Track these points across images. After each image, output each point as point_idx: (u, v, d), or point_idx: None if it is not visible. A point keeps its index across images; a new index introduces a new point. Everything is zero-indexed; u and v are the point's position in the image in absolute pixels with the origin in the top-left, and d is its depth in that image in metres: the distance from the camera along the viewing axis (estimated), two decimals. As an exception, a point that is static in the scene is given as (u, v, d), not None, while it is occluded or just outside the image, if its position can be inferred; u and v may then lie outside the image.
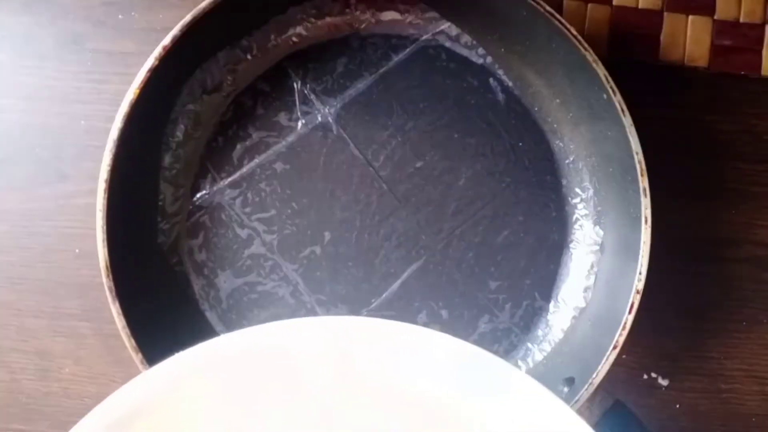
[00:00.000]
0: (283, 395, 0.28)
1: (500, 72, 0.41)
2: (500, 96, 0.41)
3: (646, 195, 0.36)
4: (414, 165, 0.41)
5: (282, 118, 0.40)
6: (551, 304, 0.41)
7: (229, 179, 0.40)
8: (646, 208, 0.36)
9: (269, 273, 0.40)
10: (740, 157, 0.43)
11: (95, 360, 0.42)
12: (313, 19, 0.40)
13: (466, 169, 0.41)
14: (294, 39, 0.40)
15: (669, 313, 0.42)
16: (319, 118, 0.40)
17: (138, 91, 0.35)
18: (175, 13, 0.42)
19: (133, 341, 0.35)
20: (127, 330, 0.35)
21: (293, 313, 0.40)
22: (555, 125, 0.41)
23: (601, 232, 0.40)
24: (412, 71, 0.40)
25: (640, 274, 0.35)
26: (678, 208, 0.42)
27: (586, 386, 0.35)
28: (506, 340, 0.41)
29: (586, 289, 0.40)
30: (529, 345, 0.41)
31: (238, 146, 0.40)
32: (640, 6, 0.42)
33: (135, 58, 0.41)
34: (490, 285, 0.41)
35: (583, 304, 0.40)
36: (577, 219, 0.41)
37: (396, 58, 0.40)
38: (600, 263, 0.40)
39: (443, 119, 0.41)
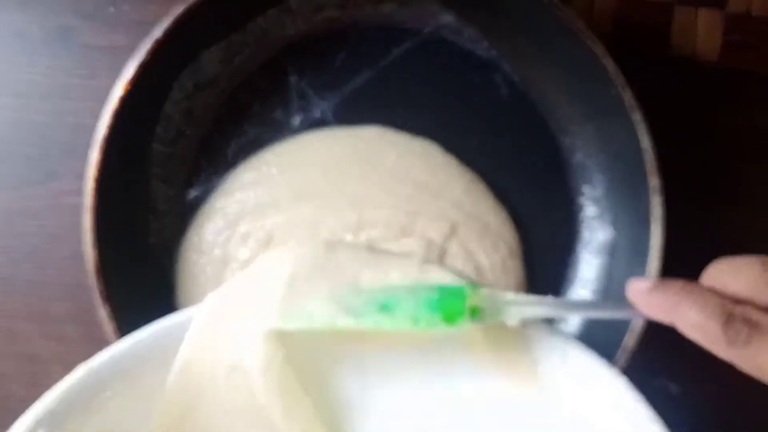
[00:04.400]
0: None
1: (505, 67, 0.40)
2: (505, 91, 0.40)
3: (656, 194, 0.35)
4: (415, 163, 0.40)
5: (278, 114, 0.40)
6: (557, 307, 0.40)
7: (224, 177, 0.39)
8: (656, 208, 0.35)
9: (265, 275, 0.39)
10: (752, 157, 0.42)
11: (85, 365, 0.41)
12: (310, 12, 0.39)
13: (469, 168, 0.40)
14: (291, 32, 0.39)
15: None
16: (317, 114, 0.40)
17: (128, 86, 0.35)
18: (168, 5, 0.40)
19: (122, 346, 0.34)
20: (117, 334, 0.35)
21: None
22: (561, 122, 0.40)
23: (610, 233, 0.39)
24: (412, 66, 0.40)
25: (650, 276, 0.35)
26: (688, 208, 0.41)
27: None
28: (511, 345, 0.40)
29: (594, 292, 0.39)
30: (535, 349, 0.40)
31: (233, 143, 0.39)
32: (648, -2, 0.42)
33: (126, 53, 0.40)
34: (495, 287, 0.40)
35: (591, 308, 0.39)
36: (584, 219, 0.40)
37: (396, 52, 0.40)
38: (609, 265, 0.39)
39: (445, 115, 0.40)
